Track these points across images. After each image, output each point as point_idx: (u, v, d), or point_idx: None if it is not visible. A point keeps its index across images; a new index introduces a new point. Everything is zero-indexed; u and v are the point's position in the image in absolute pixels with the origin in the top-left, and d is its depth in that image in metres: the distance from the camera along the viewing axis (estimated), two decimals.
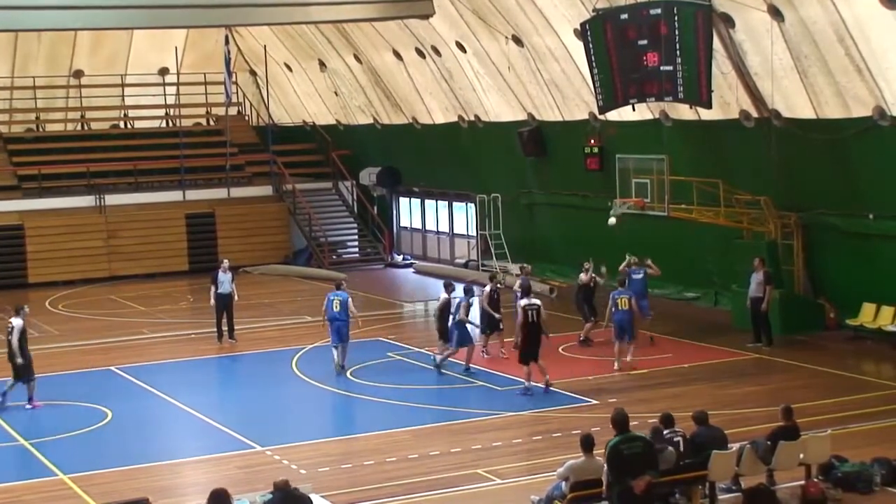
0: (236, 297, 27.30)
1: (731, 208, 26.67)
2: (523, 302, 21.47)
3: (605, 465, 13.19)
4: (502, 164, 35.80)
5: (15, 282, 36.71)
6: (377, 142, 41.78)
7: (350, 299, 23.88)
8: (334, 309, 23.39)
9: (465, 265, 37.37)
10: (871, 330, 24.54)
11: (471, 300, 23.64)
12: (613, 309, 23.16)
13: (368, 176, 41.51)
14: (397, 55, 36.87)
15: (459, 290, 23.66)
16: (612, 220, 27.57)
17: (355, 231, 41.75)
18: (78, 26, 34.82)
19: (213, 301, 27.04)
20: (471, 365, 23.15)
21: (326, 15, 31.72)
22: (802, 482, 15.20)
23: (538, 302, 21.66)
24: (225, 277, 26.92)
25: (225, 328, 27.15)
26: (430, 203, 40.87)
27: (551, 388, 21.33)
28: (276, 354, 25.83)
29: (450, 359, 23.38)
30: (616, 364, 22.98)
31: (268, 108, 43.52)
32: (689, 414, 15.52)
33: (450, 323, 23.29)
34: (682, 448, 14.57)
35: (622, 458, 13.05)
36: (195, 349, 26.76)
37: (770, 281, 24.46)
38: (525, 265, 27.72)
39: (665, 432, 14.67)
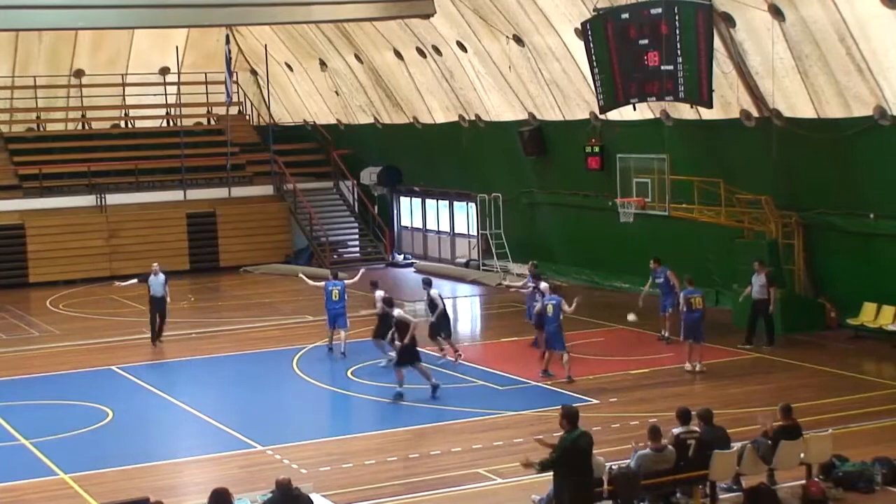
0: (168, 300, 27.27)
1: (732, 208, 26.65)
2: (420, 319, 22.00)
3: (575, 458, 13.27)
4: (503, 163, 35.77)
5: (16, 281, 36.75)
6: (378, 141, 41.77)
7: (345, 281, 25.57)
8: (333, 298, 25.06)
9: (466, 265, 37.37)
10: (872, 329, 24.53)
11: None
12: (685, 309, 22.81)
13: (369, 175, 41.51)
14: (398, 55, 36.85)
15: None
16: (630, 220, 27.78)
17: (356, 230, 41.74)
18: (79, 26, 34.77)
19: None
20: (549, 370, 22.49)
21: (327, 14, 31.69)
22: (803, 482, 15.20)
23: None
24: (156, 280, 26.91)
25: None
26: (430, 202, 40.86)
27: (437, 394, 21.20)
28: (277, 354, 25.82)
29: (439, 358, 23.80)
30: (687, 365, 22.64)
31: (269, 108, 43.52)
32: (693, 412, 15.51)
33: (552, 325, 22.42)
34: (691, 453, 14.47)
35: (579, 451, 13.28)
36: (196, 349, 26.75)
37: (773, 282, 24.45)
38: (534, 262, 27.36)
39: (679, 431, 14.61)
